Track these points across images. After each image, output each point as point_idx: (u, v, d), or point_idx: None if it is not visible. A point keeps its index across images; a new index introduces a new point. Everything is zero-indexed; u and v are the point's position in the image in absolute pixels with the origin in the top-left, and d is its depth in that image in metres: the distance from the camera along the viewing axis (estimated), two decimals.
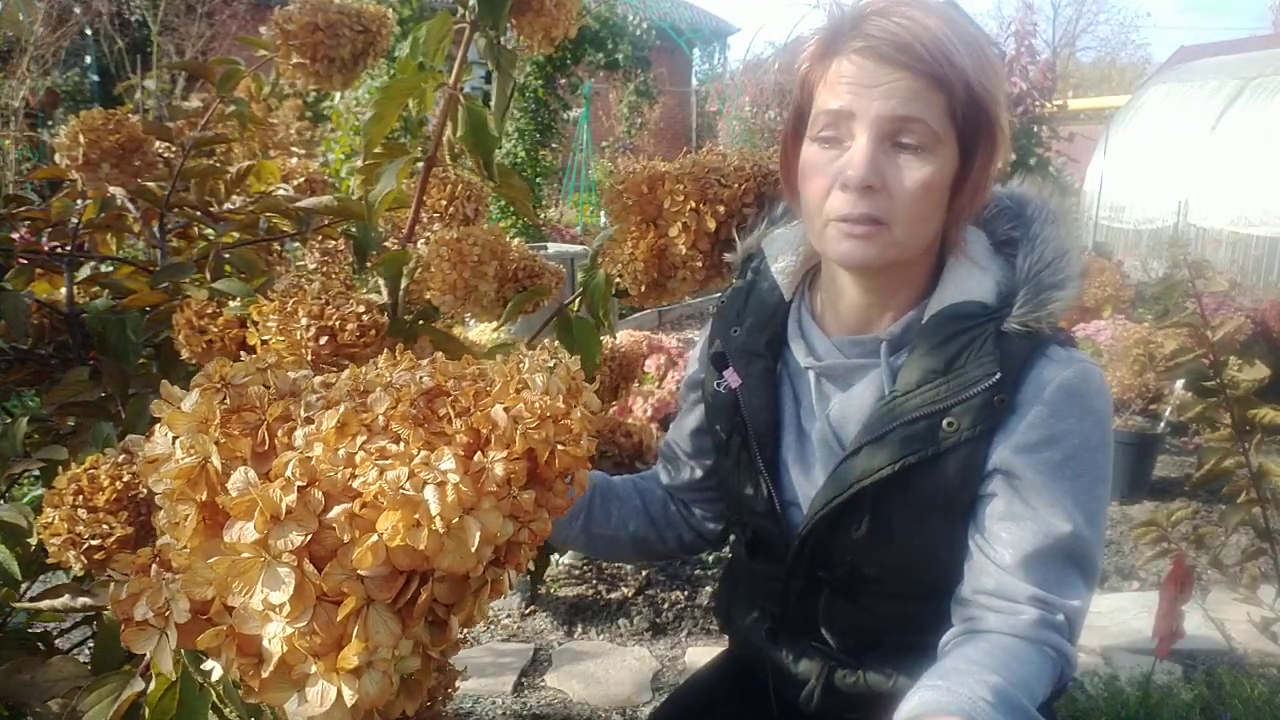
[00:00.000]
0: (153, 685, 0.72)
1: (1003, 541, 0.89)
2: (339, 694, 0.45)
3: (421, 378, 0.49)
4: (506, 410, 0.47)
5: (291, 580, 0.43)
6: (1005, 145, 0.93)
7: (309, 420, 0.47)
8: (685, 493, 1.21)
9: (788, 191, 1.03)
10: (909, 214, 0.90)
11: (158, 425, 0.49)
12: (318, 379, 0.52)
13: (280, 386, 0.50)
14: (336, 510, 0.44)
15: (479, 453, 0.46)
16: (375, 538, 0.44)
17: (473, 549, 0.44)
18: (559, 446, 0.47)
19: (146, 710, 0.72)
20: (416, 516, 0.43)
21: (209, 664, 0.57)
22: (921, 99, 0.87)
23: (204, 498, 0.46)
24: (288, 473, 0.45)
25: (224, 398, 0.48)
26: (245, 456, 0.46)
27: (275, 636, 0.45)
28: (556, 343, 0.55)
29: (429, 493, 0.43)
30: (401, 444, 0.46)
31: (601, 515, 1.16)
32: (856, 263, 0.93)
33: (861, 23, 0.89)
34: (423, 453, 0.45)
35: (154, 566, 0.50)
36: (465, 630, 0.49)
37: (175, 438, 0.48)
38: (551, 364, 0.49)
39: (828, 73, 0.91)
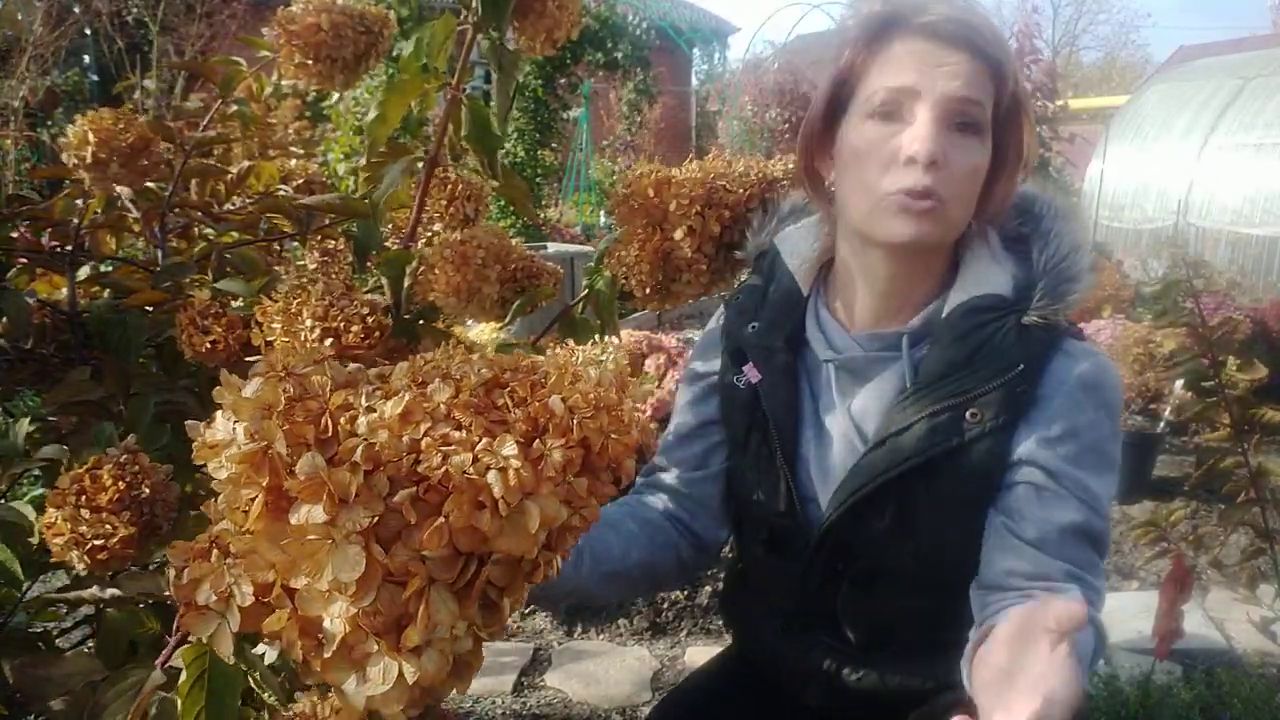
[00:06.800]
0: (183, 676, 0.73)
1: (1034, 526, 0.91)
2: (400, 672, 0.47)
3: (480, 369, 0.51)
4: (563, 400, 0.49)
5: (360, 560, 0.45)
6: (1032, 143, 0.95)
7: (370, 409, 0.49)
8: (696, 491, 1.13)
9: (809, 183, 1.04)
10: (963, 194, 0.92)
11: (219, 411, 0.51)
12: (372, 371, 0.54)
13: (338, 377, 0.52)
14: (401, 494, 0.47)
15: (537, 440, 0.48)
16: (441, 520, 0.46)
17: (532, 531, 0.46)
18: (611, 436, 0.50)
19: (179, 700, 0.73)
20: (480, 499, 0.46)
21: (261, 647, 0.59)
22: (979, 83, 0.90)
23: (267, 482, 0.48)
24: (355, 457, 0.47)
25: (287, 386, 0.50)
26: (309, 442, 0.48)
27: (338, 616, 0.47)
28: (610, 338, 0.58)
29: (492, 477, 0.45)
30: (464, 431, 0.48)
31: (603, 549, 1.04)
32: (910, 238, 0.92)
33: (923, 5, 0.91)
34: (485, 439, 0.47)
35: (214, 551, 0.51)
36: (513, 613, 0.51)
37: (237, 423, 0.50)
38: (603, 357, 0.52)
39: (885, 52, 0.93)
